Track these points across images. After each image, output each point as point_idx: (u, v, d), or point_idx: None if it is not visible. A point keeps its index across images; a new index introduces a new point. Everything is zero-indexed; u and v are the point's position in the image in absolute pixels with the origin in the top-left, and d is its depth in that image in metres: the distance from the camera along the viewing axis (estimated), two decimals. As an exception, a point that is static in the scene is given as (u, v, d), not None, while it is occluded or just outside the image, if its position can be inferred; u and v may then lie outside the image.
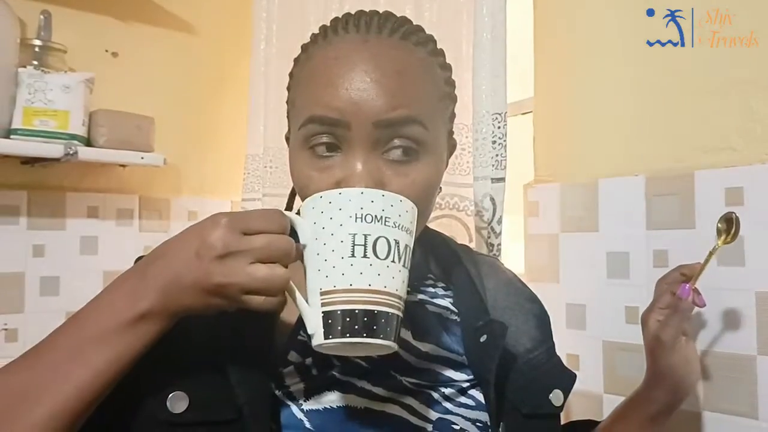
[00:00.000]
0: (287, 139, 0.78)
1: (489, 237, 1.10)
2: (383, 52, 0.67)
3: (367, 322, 0.54)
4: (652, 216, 1.01)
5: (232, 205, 1.78)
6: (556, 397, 0.74)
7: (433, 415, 0.68)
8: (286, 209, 0.90)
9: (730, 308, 0.91)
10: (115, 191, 1.60)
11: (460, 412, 0.70)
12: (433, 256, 0.82)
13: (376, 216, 0.56)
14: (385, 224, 0.56)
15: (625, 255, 1.03)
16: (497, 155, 1.09)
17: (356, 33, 0.69)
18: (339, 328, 0.54)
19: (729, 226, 0.84)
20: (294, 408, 0.64)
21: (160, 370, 0.59)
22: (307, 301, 0.57)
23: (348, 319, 0.54)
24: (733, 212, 0.84)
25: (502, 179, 1.09)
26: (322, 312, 0.55)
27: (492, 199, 1.09)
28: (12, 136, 1.34)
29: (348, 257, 0.55)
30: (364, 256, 0.55)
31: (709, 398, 0.93)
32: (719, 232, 0.84)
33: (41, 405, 0.54)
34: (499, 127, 1.09)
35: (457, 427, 0.69)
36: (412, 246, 0.59)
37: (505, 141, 1.10)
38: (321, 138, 0.66)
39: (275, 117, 1.55)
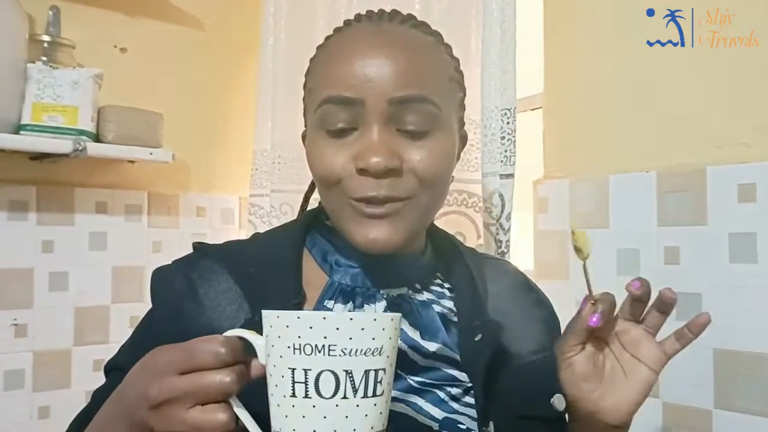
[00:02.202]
0: (304, 137, 0.78)
1: (497, 233, 1.09)
2: (395, 36, 0.69)
3: None
4: (664, 212, 1.00)
5: (241, 201, 1.79)
6: (558, 401, 0.73)
7: (440, 414, 0.68)
8: (301, 209, 0.90)
9: (743, 306, 0.90)
10: (123, 187, 1.60)
11: (466, 411, 0.69)
12: (440, 255, 0.82)
13: (316, 346, 0.48)
14: (329, 354, 0.48)
15: (635, 252, 1.02)
16: (506, 151, 1.09)
17: (369, 22, 0.72)
18: None
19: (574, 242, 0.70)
20: None
21: None
22: None
23: None
24: (572, 230, 0.71)
25: (511, 175, 1.09)
26: None
27: (501, 196, 1.08)
28: (21, 132, 1.34)
29: (289, 396, 0.48)
30: (306, 396, 0.48)
31: (723, 396, 0.92)
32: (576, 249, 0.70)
33: None
34: (508, 123, 1.09)
35: (463, 427, 0.68)
36: (383, 364, 0.50)
37: (514, 137, 1.09)
38: (336, 117, 0.67)
39: (283, 113, 1.54)
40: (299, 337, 0.48)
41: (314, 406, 0.48)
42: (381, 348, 0.50)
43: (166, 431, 0.50)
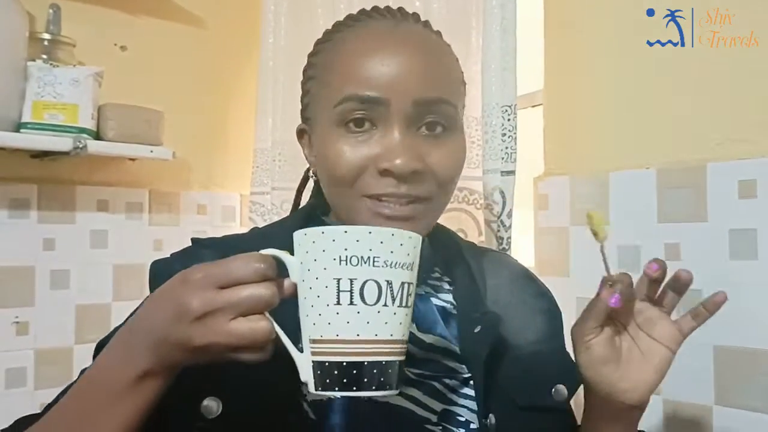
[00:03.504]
0: (301, 132, 0.77)
1: (499, 230, 1.09)
2: (416, 37, 0.70)
3: (356, 374, 0.52)
4: (664, 209, 1.00)
5: (242, 198, 1.79)
6: (559, 392, 0.73)
7: (438, 406, 0.69)
8: (294, 203, 0.90)
9: (743, 303, 0.90)
10: (124, 185, 1.60)
11: (464, 403, 0.70)
12: (439, 249, 0.82)
13: (362, 257, 0.52)
14: (373, 265, 0.52)
15: (636, 249, 1.02)
16: (507, 148, 1.09)
17: (384, 19, 0.72)
18: (328, 380, 0.52)
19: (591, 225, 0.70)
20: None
21: (193, 377, 0.59)
22: (300, 345, 0.55)
23: (336, 372, 0.52)
24: (588, 212, 0.71)
25: (512, 172, 1.09)
26: (312, 361, 0.53)
27: (502, 193, 1.08)
28: (21, 130, 1.34)
29: (333, 305, 0.52)
30: (351, 303, 0.52)
31: (724, 393, 0.92)
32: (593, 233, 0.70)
33: None
34: (509, 120, 1.08)
35: (462, 419, 0.69)
36: (413, 279, 0.55)
37: (515, 134, 1.09)
38: (357, 114, 0.67)
39: (283, 111, 1.54)
40: (346, 249, 0.52)
41: (359, 312, 0.52)
42: (413, 263, 0.55)
43: (208, 343, 0.51)
